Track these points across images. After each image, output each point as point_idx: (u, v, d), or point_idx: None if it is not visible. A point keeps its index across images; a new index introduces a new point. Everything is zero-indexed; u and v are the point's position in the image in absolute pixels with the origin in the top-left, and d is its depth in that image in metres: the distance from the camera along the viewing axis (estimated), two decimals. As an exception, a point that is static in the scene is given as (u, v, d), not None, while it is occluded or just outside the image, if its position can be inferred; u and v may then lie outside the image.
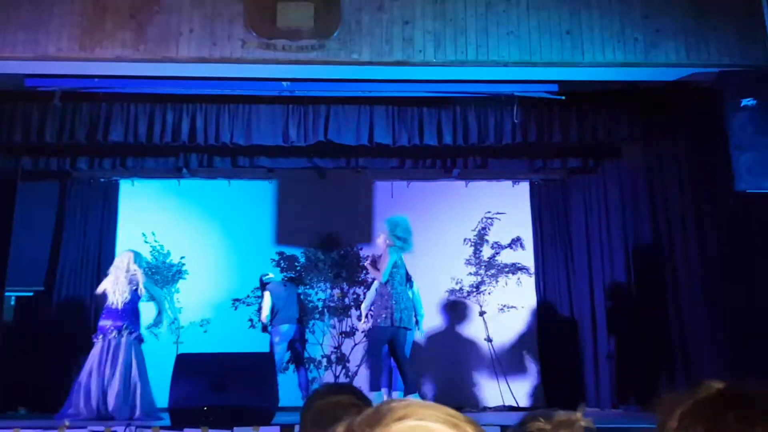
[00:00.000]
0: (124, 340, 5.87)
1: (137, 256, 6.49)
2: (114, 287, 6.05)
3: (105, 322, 5.97)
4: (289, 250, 8.55)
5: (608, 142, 6.89)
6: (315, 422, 1.59)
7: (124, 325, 5.94)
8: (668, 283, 6.66)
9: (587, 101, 6.46)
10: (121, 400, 5.57)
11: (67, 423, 4.18)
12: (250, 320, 8.21)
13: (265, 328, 7.34)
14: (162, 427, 4.12)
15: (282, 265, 8.51)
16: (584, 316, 7.68)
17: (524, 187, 8.57)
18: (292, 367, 7.47)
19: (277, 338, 6.75)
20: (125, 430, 4.03)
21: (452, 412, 0.71)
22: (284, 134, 6.64)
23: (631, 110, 6.49)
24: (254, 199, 8.60)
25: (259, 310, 7.58)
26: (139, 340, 6.10)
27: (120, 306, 5.99)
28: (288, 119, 6.63)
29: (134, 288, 6.12)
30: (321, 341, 8.19)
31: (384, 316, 5.90)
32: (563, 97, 6.13)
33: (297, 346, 6.79)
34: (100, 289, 6.27)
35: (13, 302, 7.94)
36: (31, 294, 8.00)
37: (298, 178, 8.30)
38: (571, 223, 8.15)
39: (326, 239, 8.34)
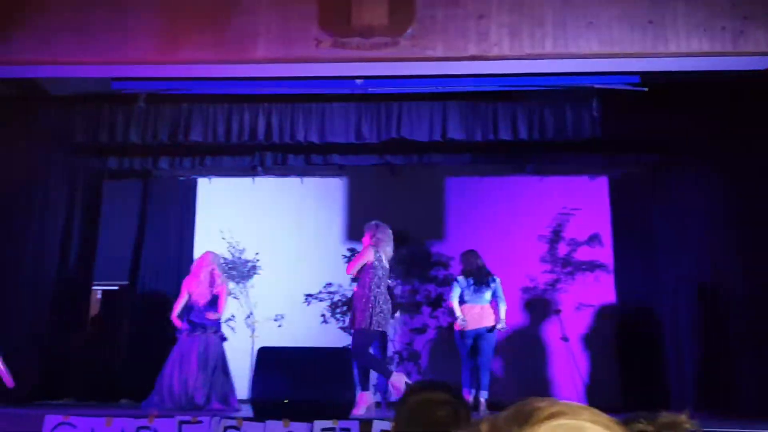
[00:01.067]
0: (205, 336, 6.18)
1: (216, 256, 6.72)
2: (196, 286, 6.33)
3: (188, 319, 6.28)
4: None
5: (692, 135, 6.62)
6: (410, 418, 1.60)
7: (206, 322, 6.23)
8: (755, 283, 6.34)
9: (670, 93, 6.23)
10: (204, 392, 5.87)
11: (155, 413, 4.34)
12: (323, 315, 8.31)
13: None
14: (245, 418, 4.22)
15: (354, 261, 8.56)
16: (666, 316, 7.38)
17: (602, 182, 8.34)
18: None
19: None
20: (210, 420, 4.15)
21: (599, 413, 0.69)
22: (357, 131, 6.69)
23: (717, 102, 6.22)
24: (326, 196, 8.70)
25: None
26: (221, 336, 6.40)
27: (201, 304, 6.29)
28: (361, 117, 6.68)
29: (214, 286, 6.37)
30: (392, 338, 8.21)
31: (364, 318, 5.71)
32: (645, 89, 5.94)
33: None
34: (183, 289, 6.54)
35: (100, 296, 8.31)
36: (116, 288, 8.36)
37: (370, 175, 8.35)
38: (652, 220, 7.83)
39: (397, 236, 8.30)
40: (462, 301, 6.49)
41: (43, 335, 6.66)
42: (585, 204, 8.17)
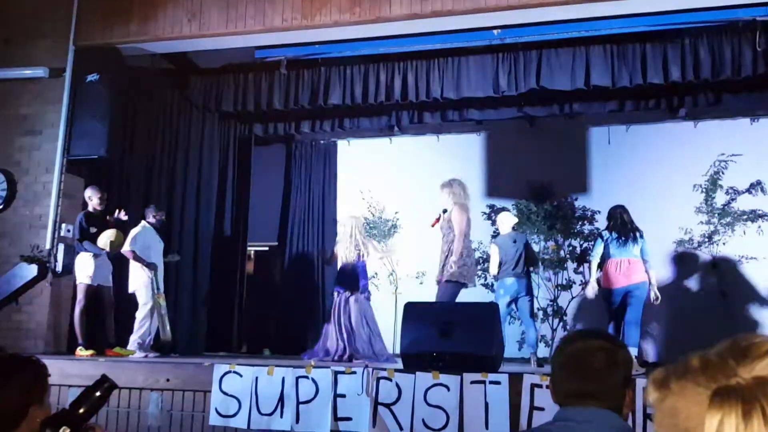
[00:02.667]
0: (354, 295, 6.49)
1: (360, 223, 6.97)
2: (344, 252, 6.59)
3: (339, 281, 6.64)
4: (500, 203, 8.48)
5: None
6: (567, 366, 1.58)
7: (354, 284, 6.55)
8: None
9: None
10: (358, 345, 6.23)
11: (312, 362, 4.59)
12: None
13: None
14: (396, 370, 4.35)
15: (492, 218, 8.48)
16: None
17: (765, 124, 7.64)
18: (510, 320, 7.43)
19: (502, 291, 6.65)
20: (363, 370, 4.31)
21: None
22: (494, 85, 6.55)
23: None
24: (463, 153, 8.63)
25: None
26: (367, 295, 6.70)
27: (349, 267, 6.58)
28: (498, 69, 6.52)
29: (359, 251, 6.64)
30: (536, 294, 8.06)
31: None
32: (817, 17, 5.34)
33: (523, 301, 6.54)
34: (334, 256, 6.85)
35: (253, 256, 8.85)
36: (267, 249, 8.86)
37: (507, 129, 8.17)
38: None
39: (538, 190, 8.12)
40: (608, 256, 6.19)
41: (205, 293, 7.20)
42: (745, 149, 7.51)
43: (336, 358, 6.13)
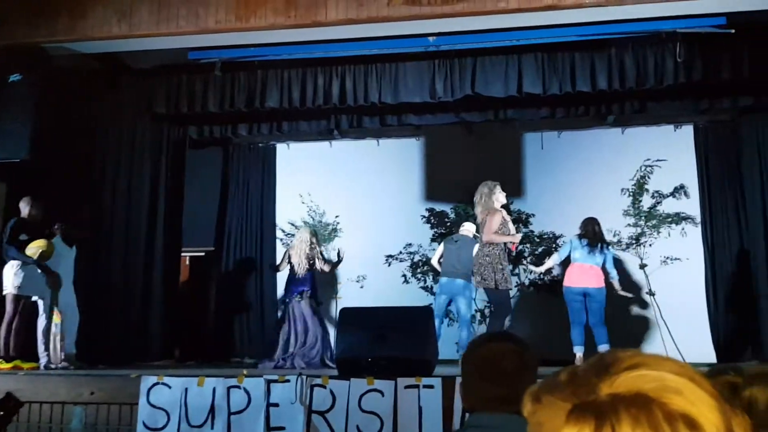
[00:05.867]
0: (305, 302, 6.77)
1: (315, 233, 7.27)
2: (296, 259, 6.87)
3: (290, 288, 6.91)
4: (438, 206, 8.59)
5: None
6: (477, 370, 1.58)
7: (305, 290, 6.83)
8: None
9: (760, 32, 5.84)
10: (308, 350, 6.51)
11: (245, 372, 4.54)
12: (404, 276, 8.38)
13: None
14: (331, 377, 4.34)
15: (432, 221, 8.58)
16: (759, 267, 7.05)
17: (687, 131, 7.97)
18: (446, 321, 7.53)
19: (438, 290, 6.86)
20: (297, 378, 4.29)
21: (684, 364, 0.66)
22: (431, 90, 6.61)
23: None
24: (403, 157, 8.69)
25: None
26: (317, 301, 6.99)
27: (301, 275, 6.84)
28: (434, 75, 6.59)
29: (312, 258, 6.91)
30: (474, 296, 8.19)
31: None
32: (732, 31, 5.59)
33: (460, 302, 6.73)
34: (284, 263, 7.12)
35: (188, 262, 8.68)
36: (203, 254, 8.70)
37: (446, 134, 8.26)
38: (742, 168, 7.45)
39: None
40: (573, 260, 6.46)
41: (136, 301, 7.01)
42: (670, 154, 7.83)
43: (292, 364, 6.31)
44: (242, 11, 5.75)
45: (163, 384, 4.36)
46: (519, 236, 6.45)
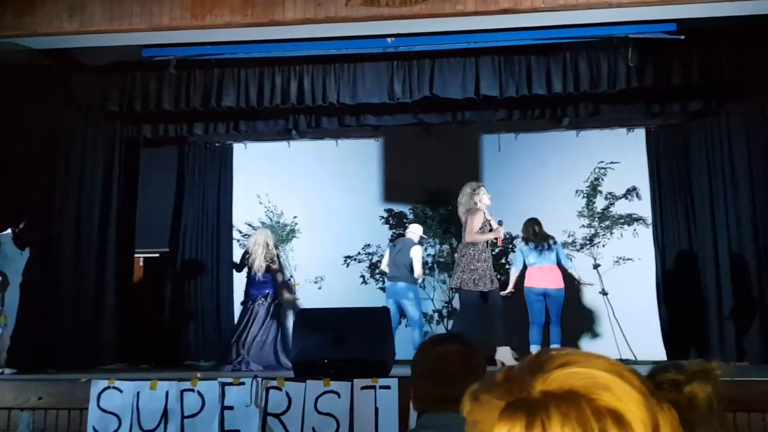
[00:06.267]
0: (265, 305, 6.81)
1: (270, 236, 7.26)
2: (255, 262, 6.88)
3: (250, 291, 6.93)
4: (397, 207, 8.62)
5: (733, 82, 6.39)
6: (425, 372, 1.59)
7: (266, 293, 6.86)
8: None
9: (709, 39, 6.02)
10: (266, 352, 6.54)
11: (198, 375, 4.47)
12: (362, 276, 8.38)
13: None
14: (286, 379, 4.32)
15: (391, 222, 8.60)
16: (707, 267, 7.26)
17: (640, 134, 8.15)
18: (405, 322, 7.57)
19: (386, 295, 6.97)
20: (252, 381, 4.25)
21: (614, 361, 0.68)
22: (390, 91, 6.62)
23: (758, 46, 5.98)
24: (362, 158, 8.69)
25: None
26: (278, 304, 6.98)
27: (260, 277, 6.87)
28: (393, 76, 6.61)
29: (270, 261, 6.93)
30: (432, 296, 8.25)
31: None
32: (682, 37, 5.74)
33: (408, 305, 6.89)
34: (243, 266, 7.13)
35: (142, 263, 8.52)
36: (157, 255, 8.55)
37: (405, 135, 8.30)
38: (691, 171, 7.68)
39: (434, 195, 8.33)
40: (528, 265, 6.58)
41: (88, 303, 6.85)
42: (622, 157, 8.00)
43: (248, 368, 6.27)
44: (198, 9, 5.66)
45: (114, 388, 4.27)
46: (502, 230, 6.49)
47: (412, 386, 1.65)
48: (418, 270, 6.93)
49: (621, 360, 7.34)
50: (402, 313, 7.07)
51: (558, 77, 6.26)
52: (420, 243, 7.19)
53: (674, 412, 0.66)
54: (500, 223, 6.41)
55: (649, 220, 8.03)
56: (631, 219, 8.02)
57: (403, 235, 7.62)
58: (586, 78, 6.20)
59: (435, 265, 8.33)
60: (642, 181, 8.08)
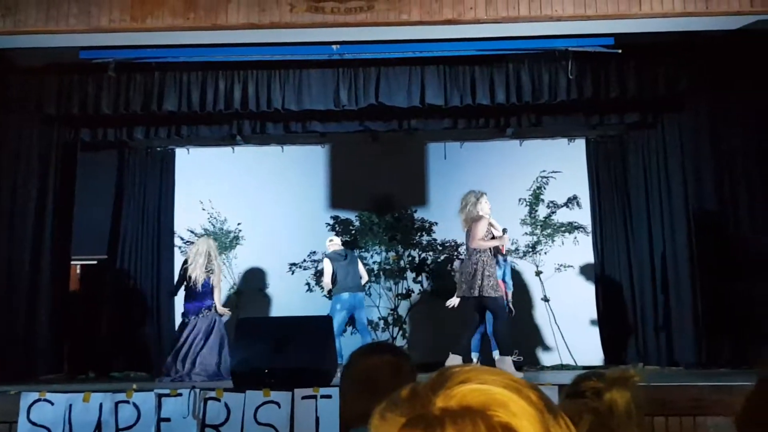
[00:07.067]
0: (205, 315, 6.65)
1: (213, 245, 7.10)
2: (194, 271, 6.71)
3: (189, 302, 6.76)
4: (343, 214, 8.60)
5: (668, 95, 6.62)
6: (353, 385, 1.56)
7: (205, 304, 6.70)
8: (731, 242, 6.42)
9: (646, 54, 6.22)
10: (208, 365, 6.39)
11: (134, 386, 4.36)
12: (307, 284, 8.32)
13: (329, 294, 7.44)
14: (225, 389, 4.24)
15: (337, 229, 8.57)
16: (644, 275, 7.51)
17: (580, 144, 8.36)
18: (350, 329, 7.55)
19: (338, 305, 6.93)
20: (190, 392, 4.17)
21: (515, 377, 0.69)
22: (335, 98, 6.62)
23: (693, 62, 6.23)
24: (308, 165, 8.64)
25: (320, 276, 7.75)
26: (218, 313, 6.80)
27: (200, 287, 6.70)
28: (339, 83, 6.60)
29: (211, 270, 6.77)
30: (377, 304, 8.25)
31: None
32: (620, 51, 5.91)
33: (358, 314, 6.93)
34: (180, 286, 6.98)
35: (79, 271, 8.26)
36: (95, 262, 8.30)
37: (351, 142, 8.29)
38: (629, 181, 7.93)
39: (380, 202, 8.34)
40: None
41: (21, 312, 6.60)
42: (564, 166, 8.18)
43: (189, 379, 6.12)
44: (138, 11, 5.55)
45: (45, 400, 4.12)
46: (507, 237, 6.47)
47: (340, 401, 1.61)
48: (366, 278, 7.29)
49: (562, 365, 7.52)
50: (350, 322, 7.10)
51: (501, 88, 6.36)
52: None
53: (570, 425, 0.68)
54: (504, 231, 6.43)
55: (589, 228, 8.22)
56: (571, 227, 8.20)
57: (356, 240, 7.72)
58: (529, 89, 6.32)
59: (381, 273, 8.33)
60: (582, 190, 8.28)
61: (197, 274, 6.69)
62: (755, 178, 6.31)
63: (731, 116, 6.49)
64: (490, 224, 6.15)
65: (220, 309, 6.82)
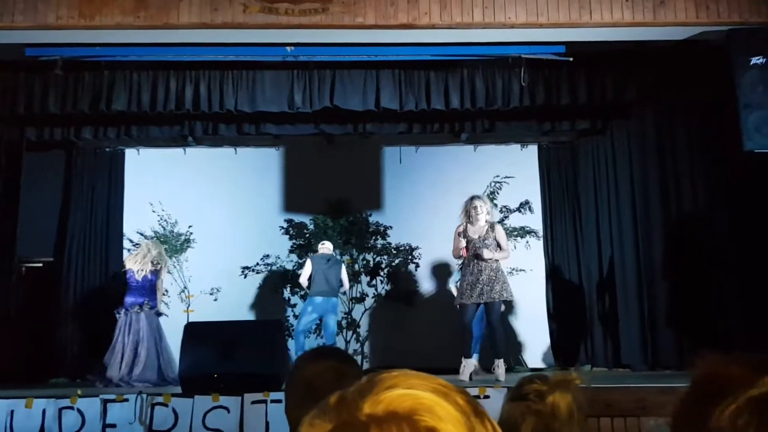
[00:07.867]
0: (144, 314, 6.45)
1: (162, 253, 7.00)
2: (137, 266, 6.59)
3: (128, 299, 6.55)
4: (297, 218, 8.54)
5: (617, 103, 6.78)
6: (295, 392, 1.53)
7: (145, 301, 6.52)
8: (676, 246, 6.61)
9: (595, 62, 6.35)
10: (146, 368, 6.17)
11: (79, 392, 4.24)
12: (260, 287, 8.24)
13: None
14: (173, 395, 4.16)
15: (291, 232, 8.51)
16: (593, 278, 7.68)
17: (533, 150, 8.49)
18: (314, 336, 7.52)
19: (310, 308, 6.92)
20: (137, 397, 4.07)
21: (443, 381, 0.69)
22: (290, 100, 6.56)
23: (640, 70, 6.38)
24: (261, 167, 8.56)
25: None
26: (158, 313, 6.64)
27: (139, 283, 6.56)
28: (293, 85, 6.55)
29: (155, 270, 6.68)
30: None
31: None
32: (570, 59, 6.02)
33: (328, 319, 6.94)
34: (125, 267, 6.78)
35: (24, 273, 8.00)
36: (40, 265, 8.06)
37: (306, 145, 8.25)
38: (579, 186, 8.10)
39: (335, 206, 8.32)
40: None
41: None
42: (517, 172, 8.30)
43: (124, 382, 5.93)
44: (86, 9, 5.41)
45: (-18, 408, 3.98)
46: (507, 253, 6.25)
47: (285, 406, 1.58)
48: (347, 285, 7.34)
49: (512, 369, 7.63)
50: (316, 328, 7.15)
51: (456, 93, 6.41)
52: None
53: (498, 429, 0.68)
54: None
55: (541, 233, 8.35)
56: (524, 231, 8.32)
57: (310, 244, 7.66)
58: (482, 95, 6.39)
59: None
60: (534, 195, 8.40)
61: (139, 268, 6.57)
62: (699, 183, 6.51)
63: (676, 123, 6.69)
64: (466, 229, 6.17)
65: (162, 309, 6.68)
